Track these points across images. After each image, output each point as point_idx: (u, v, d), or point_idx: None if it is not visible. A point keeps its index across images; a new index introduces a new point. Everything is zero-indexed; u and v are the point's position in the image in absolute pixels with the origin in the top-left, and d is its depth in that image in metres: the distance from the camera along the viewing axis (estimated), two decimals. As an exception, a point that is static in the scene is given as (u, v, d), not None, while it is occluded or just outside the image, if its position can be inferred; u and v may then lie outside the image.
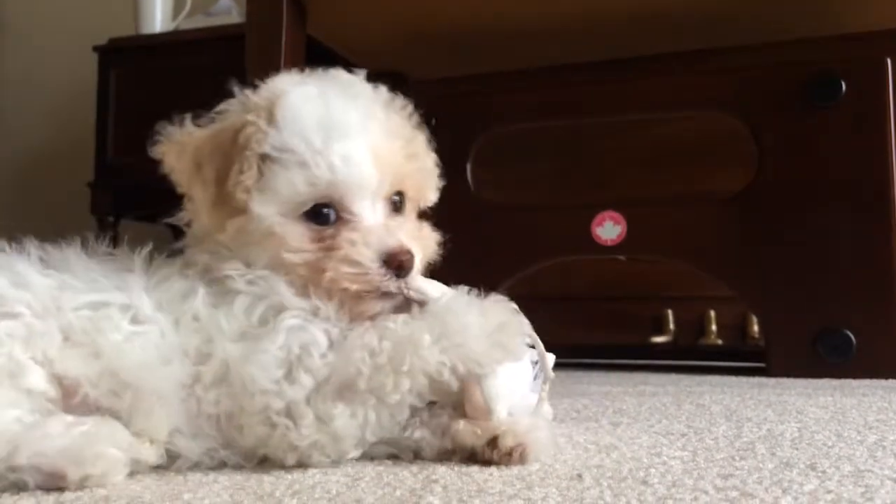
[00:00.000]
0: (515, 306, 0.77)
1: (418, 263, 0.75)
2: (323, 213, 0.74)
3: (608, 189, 1.91)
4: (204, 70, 2.39)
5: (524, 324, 0.76)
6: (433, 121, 1.66)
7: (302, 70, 0.82)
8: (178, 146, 0.77)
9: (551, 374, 0.83)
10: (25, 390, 0.67)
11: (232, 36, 2.22)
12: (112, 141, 2.52)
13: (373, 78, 0.83)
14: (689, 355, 2.00)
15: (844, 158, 1.58)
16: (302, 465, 0.70)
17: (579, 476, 0.66)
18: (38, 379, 0.68)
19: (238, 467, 0.72)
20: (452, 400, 0.75)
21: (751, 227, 1.65)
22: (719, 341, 2.00)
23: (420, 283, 0.75)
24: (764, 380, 1.51)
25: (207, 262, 0.76)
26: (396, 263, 0.73)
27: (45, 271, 0.74)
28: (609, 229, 1.73)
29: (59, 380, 0.69)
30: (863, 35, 1.76)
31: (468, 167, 1.82)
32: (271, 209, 0.73)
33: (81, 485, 0.64)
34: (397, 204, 0.79)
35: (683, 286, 2.01)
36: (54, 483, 0.63)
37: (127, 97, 2.52)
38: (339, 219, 0.74)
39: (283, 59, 1.62)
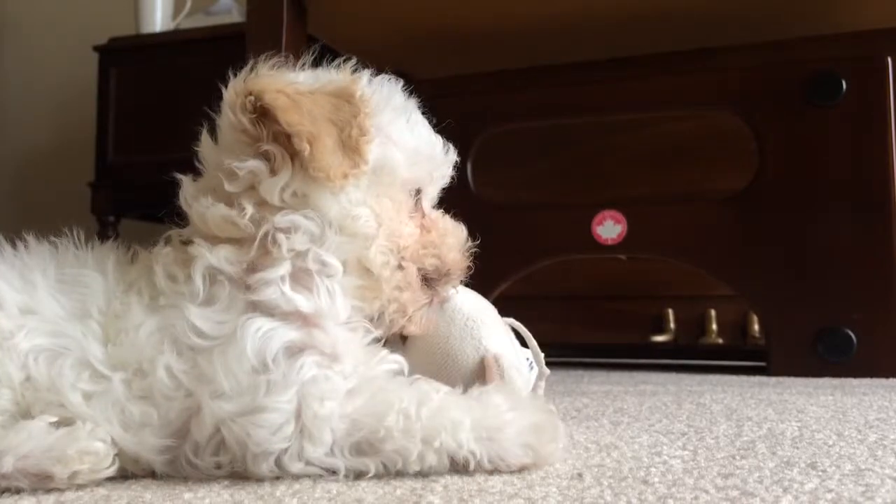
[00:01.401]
0: (552, 407, 0.74)
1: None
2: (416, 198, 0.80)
3: (609, 188, 1.91)
4: (204, 69, 2.38)
5: (559, 428, 0.71)
6: (433, 120, 1.66)
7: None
8: (283, 85, 0.71)
9: (546, 370, 0.83)
10: None
11: (232, 35, 2.22)
12: (112, 140, 2.51)
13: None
14: (690, 354, 2.00)
15: (845, 157, 1.58)
16: None
17: (580, 475, 0.66)
18: (4, 401, 0.67)
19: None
20: None
21: (751, 226, 1.65)
22: (720, 340, 2.00)
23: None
24: (764, 379, 1.51)
25: (252, 259, 0.70)
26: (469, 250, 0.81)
27: (18, 287, 0.70)
28: (609, 228, 1.73)
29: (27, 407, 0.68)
30: (863, 34, 1.76)
31: (468, 166, 1.82)
32: (394, 180, 0.76)
33: (70, 483, 0.63)
34: None
35: (684, 285, 2.01)
36: (43, 484, 0.63)
37: (127, 97, 2.51)
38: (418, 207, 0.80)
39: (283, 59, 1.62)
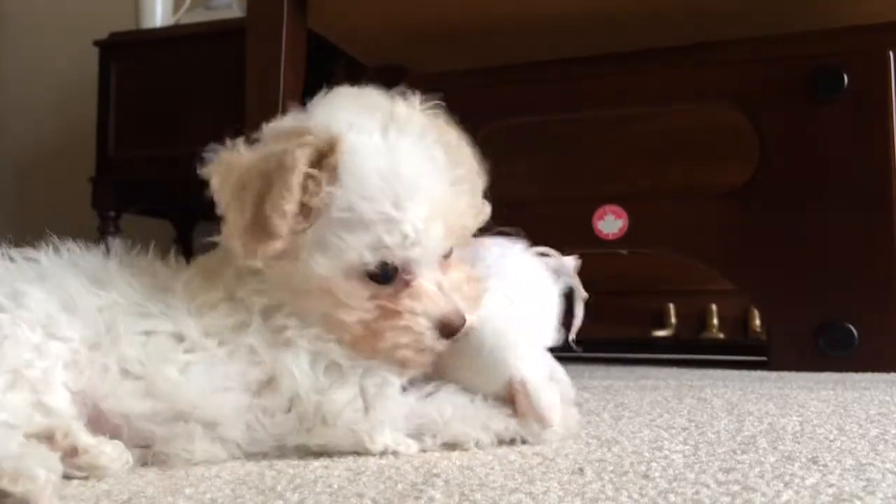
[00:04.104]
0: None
1: (469, 325, 0.75)
2: (383, 273, 0.73)
3: (609, 183, 1.91)
4: (205, 64, 2.39)
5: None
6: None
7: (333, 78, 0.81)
8: (225, 167, 0.74)
9: (584, 293, 0.91)
10: (39, 404, 0.67)
11: (233, 30, 2.22)
12: (113, 135, 2.52)
13: (374, 72, 0.84)
14: (691, 349, 2.01)
15: (846, 151, 1.58)
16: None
17: (581, 470, 0.66)
18: (58, 399, 0.68)
19: (240, 462, 0.72)
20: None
21: (752, 221, 1.64)
22: (721, 335, 2.00)
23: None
24: (765, 373, 1.51)
25: (265, 305, 0.74)
26: (449, 331, 0.74)
27: (94, 290, 0.73)
28: (610, 223, 1.73)
29: (104, 416, 0.70)
30: (865, 28, 1.75)
31: (469, 161, 1.82)
32: (331, 269, 0.72)
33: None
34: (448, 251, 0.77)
35: (685, 280, 2.01)
36: None
37: (128, 92, 2.51)
38: (398, 277, 0.73)
39: (283, 54, 1.62)
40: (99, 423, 0.70)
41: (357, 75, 2.08)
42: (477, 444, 0.75)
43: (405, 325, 0.72)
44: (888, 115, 1.56)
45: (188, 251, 0.83)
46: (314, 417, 0.73)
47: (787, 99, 1.63)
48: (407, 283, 0.73)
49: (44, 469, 0.59)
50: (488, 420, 0.76)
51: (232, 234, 0.72)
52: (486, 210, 0.82)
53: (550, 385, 0.78)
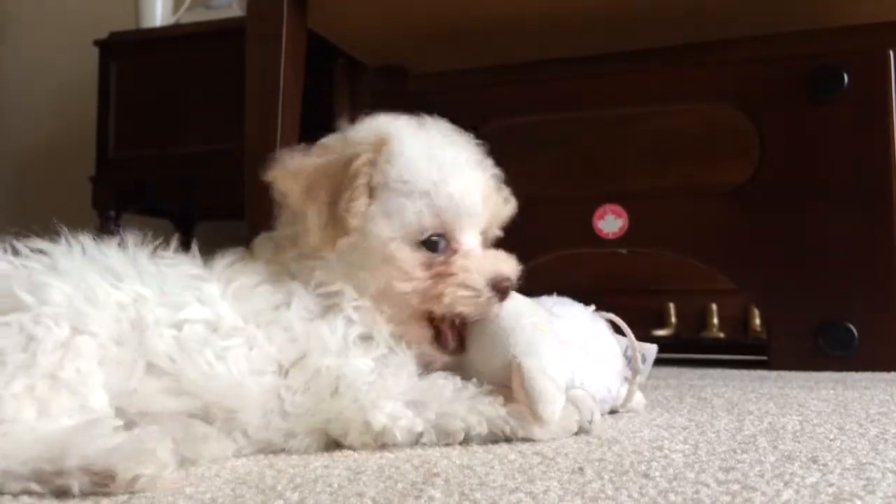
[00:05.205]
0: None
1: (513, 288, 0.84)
2: (434, 242, 0.83)
3: (609, 182, 1.91)
4: (205, 64, 2.39)
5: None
6: (433, 115, 1.66)
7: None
8: (292, 173, 0.82)
9: (640, 366, 0.94)
10: (84, 407, 0.66)
11: (233, 30, 2.21)
12: (113, 135, 2.51)
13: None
14: (691, 348, 2.01)
15: (846, 151, 1.58)
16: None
17: (581, 469, 0.66)
18: (99, 400, 0.67)
19: (241, 461, 0.72)
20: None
21: (753, 220, 1.65)
22: (721, 334, 2.00)
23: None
24: (765, 373, 1.51)
25: (322, 278, 0.81)
26: (502, 288, 0.82)
27: (118, 283, 0.73)
28: (610, 222, 1.73)
29: (124, 415, 0.68)
30: (865, 27, 1.75)
31: (469, 161, 1.82)
32: (391, 233, 0.81)
33: (130, 486, 0.60)
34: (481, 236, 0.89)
35: (685, 279, 2.01)
36: (102, 484, 0.59)
37: (128, 91, 2.51)
38: (447, 247, 0.83)
39: (283, 54, 1.62)
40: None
41: (357, 75, 2.08)
42: (466, 425, 0.77)
43: (462, 279, 0.81)
44: (888, 115, 1.56)
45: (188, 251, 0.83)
46: (327, 389, 0.75)
47: (787, 99, 1.63)
48: (455, 251, 0.83)
49: (163, 448, 0.63)
50: (478, 403, 0.78)
51: (311, 229, 0.80)
52: (513, 201, 0.93)
53: (551, 379, 0.79)
